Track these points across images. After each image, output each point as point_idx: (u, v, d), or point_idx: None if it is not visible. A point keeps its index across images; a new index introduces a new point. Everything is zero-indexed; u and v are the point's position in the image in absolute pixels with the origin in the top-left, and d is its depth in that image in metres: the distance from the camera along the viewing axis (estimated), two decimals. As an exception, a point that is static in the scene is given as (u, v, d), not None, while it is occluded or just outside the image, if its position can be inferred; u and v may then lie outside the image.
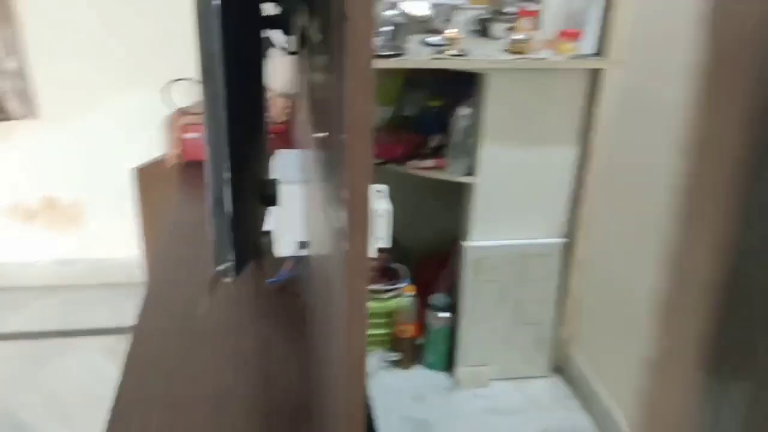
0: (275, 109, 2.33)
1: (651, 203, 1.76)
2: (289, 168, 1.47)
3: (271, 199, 0.93)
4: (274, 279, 1.46)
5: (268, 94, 2.38)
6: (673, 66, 1.65)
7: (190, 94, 2.04)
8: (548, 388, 2.22)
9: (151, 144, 2.33)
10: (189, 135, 1.94)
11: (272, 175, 1.42)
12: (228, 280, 0.76)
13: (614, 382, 1.99)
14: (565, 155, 2.03)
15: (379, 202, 0.65)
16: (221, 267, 0.74)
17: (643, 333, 1.81)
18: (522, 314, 2.19)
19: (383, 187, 0.68)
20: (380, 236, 0.67)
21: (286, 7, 1.18)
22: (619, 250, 1.94)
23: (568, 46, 1.88)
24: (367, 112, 0.53)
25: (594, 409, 2.07)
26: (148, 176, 2.08)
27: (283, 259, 1.47)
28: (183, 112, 2.01)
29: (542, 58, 1.87)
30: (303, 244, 1.43)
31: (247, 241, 0.83)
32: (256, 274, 1.53)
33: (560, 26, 1.96)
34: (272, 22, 1.20)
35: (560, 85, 1.95)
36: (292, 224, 1.44)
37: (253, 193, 0.88)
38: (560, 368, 2.28)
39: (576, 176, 2.05)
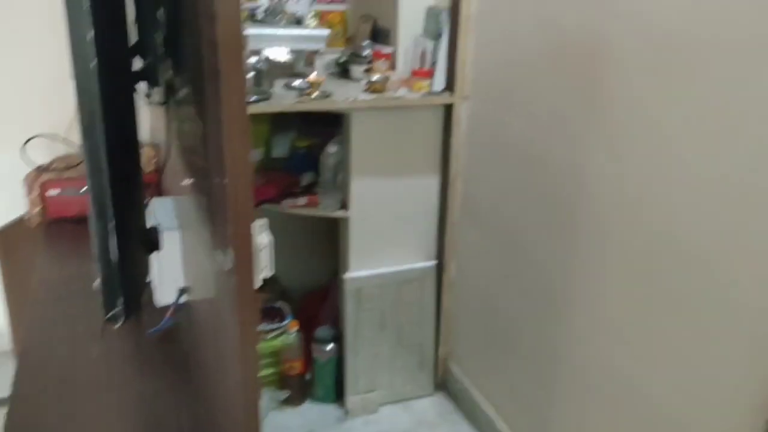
0: (144, 159, 2.30)
1: (508, 222, 1.94)
2: (164, 215, 1.48)
3: (154, 245, 0.96)
4: (155, 328, 1.45)
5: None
6: (513, 98, 1.85)
7: (49, 151, 1.97)
8: (434, 406, 2.32)
9: (11, 205, 2.21)
10: (51, 192, 1.87)
11: (150, 223, 1.43)
12: (118, 325, 0.78)
13: (493, 392, 2.13)
14: (429, 183, 2.19)
15: (261, 236, 0.70)
16: (111, 313, 0.75)
17: (513, 345, 1.97)
18: (403, 338, 2.29)
19: (263, 221, 0.74)
20: (264, 267, 0.73)
21: (150, 60, 1.21)
22: (485, 268, 2.10)
23: (422, 84, 2.04)
24: (244, 155, 0.59)
25: (478, 420, 2.20)
26: (9, 238, 1.97)
27: (164, 308, 1.47)
28: (42, 169, 1.94)
29: (399, 97, 2.01)
30: (183, 291, 1.44)
31: (134, 286, 0.85)
32: (137, 325, 1.51)
33: (413, 66, 2.12)
34: (138, 75, 1.22)
35: (418, 119, 2.10)
36: (170, 271, 1.45)
37: (136, 240, 0.90)
38: (443, 385, 2.40)
39: (440, 202, 2.21)
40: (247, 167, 0.60)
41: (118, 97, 0.86)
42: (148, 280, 1.39)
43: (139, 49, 1.24)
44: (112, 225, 0.68)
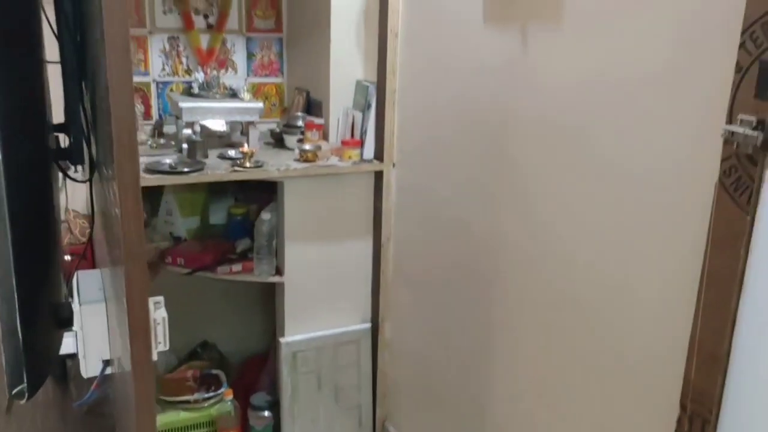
0: (77, 230, 2.31)
1: (437, 283, 2.01)
2: (89, 288, 1.50)
3: (65, 322, 0.99)
4: (81, 401, 1.45)
5: (72, 216, 2.36)
6: (436, 165, 1.96)
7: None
8: (373, 469, 2.32)
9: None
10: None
11: (73, 296, 1.44)
12: (22, 402, 0.80)
13: (429, 451, 2.15)
14: (362, 247, 2.26)
15: (158, 312, 0.75)
16: (16, 390, 0.78)
17: (445, 405, 2.01)
18: (341, 400, 2.31)
19: (160, 298, 0.78)
20: (160, 341, 0.77)
21: (76, 139, 1.27)
22: (418, 329, 2.16)
23: (351, 153, 2.13)
24: (139, 238, 0.65)
25: (415, 480, 2.21)
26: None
27: (90, 380, 1.47)
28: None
29: (330, 165, 2.10)
30: (107, 363, 1.45)
31: (40, 363, 0.88)
32: (63, 398, 1.50)
33: (344, 136, 2.23)
34: (63, 154, 1.28)
35: (349, 186, 2.19)
36: (95, 344, 1.46)
37: (47, 316, 0.93)
38: (383, 447, 2.40)
39: (373, 265, 2.28)
40: (141, 247, 0.65)
41: (31, 174, 0.90)
42: (65, 353, 1.39)
43: (65, 128, 1.30)
44: (15, 304, 0.72)
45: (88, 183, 1.25)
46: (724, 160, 1.02)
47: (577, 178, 1.38)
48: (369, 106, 2.16)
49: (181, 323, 2.57)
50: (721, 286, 1.04)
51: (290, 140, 2.29)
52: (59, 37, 1.32)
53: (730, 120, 1.01)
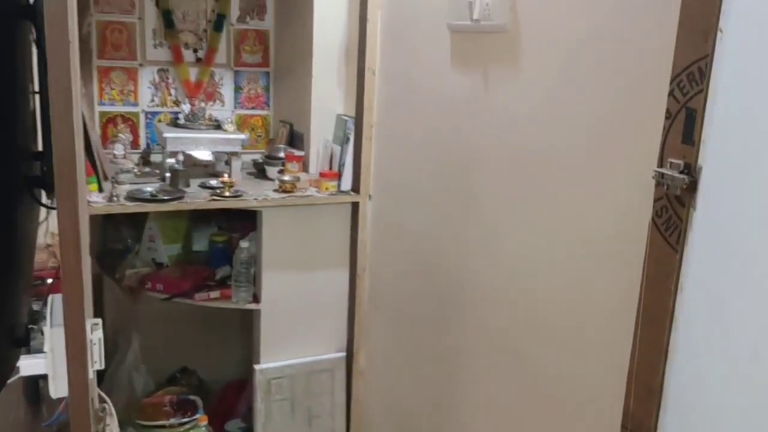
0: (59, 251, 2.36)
1: (409, 312, 2.06)
2: (60, 312, 1.55)
3: (21, 342, 1.03)
4: (49, 421, 1.48)
5: (56, 240, 2.40)
6: (409, 197, 2.02)
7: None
8: (345, 498, 2.34)
9: None
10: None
11: (46, 318, 1.49)
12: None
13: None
14: (338, 277, 2.30)
15: (95, 333, 0.80)
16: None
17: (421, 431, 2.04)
18: (315, 428, 2.33)
19: (97, 320, 0.83)
20: (96, 360, 0.82)
21: (49, 168, 1.33)
22: (392, 357, 2.20)
23: (329, 185, 2.20)
24: (76, 263, 0.70)
25: None
26: None
27: (59, 401, 1.50)
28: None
29: (307, 195, 2.16)
30: (77, 383, 1.49)
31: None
32: (35, 419, 1.54)
33: (323, 168, 2.29)
34: (36, 181, 1.33)
35: (327, 216, 2.24)
36: (63, 365, 1.50)
37: (4, 336, 0.98)
38: (356, 477, 2.42)
39: (349, 294, 2.32)
40: (77, 272, 0.70)
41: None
42: (37, 374, 1.43)
43: (41, 155, 1.36)
44: None
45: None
46: (656, 200, 1.08)
47: (529, 210, 1.44)
48: (348, 139, 2.23)
49: (161, 349, 2.62)
50: (655, 321, 1.09)
51: (271, 171, 2.35)
52: (39, 69, 1.39)
53: (661, 163, 1.07)
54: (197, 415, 2.30)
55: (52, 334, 1.43)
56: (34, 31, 1.32)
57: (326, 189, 2.20)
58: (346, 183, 2.24)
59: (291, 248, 2.22)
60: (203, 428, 2.27)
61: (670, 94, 1.05)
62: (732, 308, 0.96)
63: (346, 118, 2.25)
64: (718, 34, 0.95)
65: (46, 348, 1.43)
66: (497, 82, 1.53)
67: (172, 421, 2.29)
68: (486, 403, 1.66)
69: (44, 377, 1.54)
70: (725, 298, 0.96)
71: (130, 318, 2.51)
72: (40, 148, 1.40)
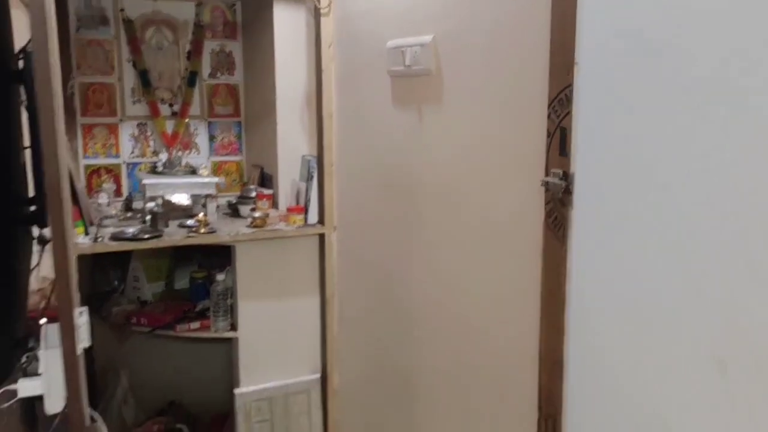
0: (53, 296, 2.54)
1: (375, 332, 2.25)
2: (53, 336, 1.74)
3: (22, 343, 1.23)
4: (43, 436, 1.65)
5: (49, 284, 2.59)
6: (366, 226, 2.24)
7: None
8: None
9: None
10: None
11: (40, 344, 1.67)
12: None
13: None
14: (310, 303, 2.50)
15: (81, 318, 0.99)
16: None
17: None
18: (294, 448, 2.49)
19: (84, 308, 1.03)
20: (83, 339, 1.01)
21: (42, 207, 1.54)
22: (363, 377, 2.38)
23: (296, 219, 2.42)
24: (65, 258, 0.90)
25: None
26: None
27: (54, 416, 1.67)
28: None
29: (276, 229, 2.38)
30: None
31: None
32: (28, 437, 1.70)
33: (291, 204, 2.52)
34: (31, 218, 1.55)
35: (296, 248, 2.46)
36: (57, 383, 1.68)
37: (8, 341, 1.18)
38: (336, 493, 2.56)
39: (321, 319, 2.51)
40: (67, 268, 0.91)
41: (5, 238, 1.17)
42: (32, 395, 1.61)
43: (35, 198, 1.58)
44: None
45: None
46: (546, 204, 1.31)
47: (455, 223, 1.67)
48: (311, 177, 2.46)
49: (149, 385, 2.79)
50: (553, 303, 1.31)
51: (244, 210, 2.57)
52: (30, 130, 1.62)
53: (547, 173, 1.30)
54: (183, 442, 2.46)
55: (47, 356, 1.63)
56: (23, 93, 1.56)
57: (294, 222, 2.42)
58: (313, 216, 2.46)
59: (264, 279, 2.42)
60: (188, 453, 2.43)
61: (548, 116, 1.29)
62: (607, 285, 1.18)
63: (309, 157, 2.49)
64: (575, 66, 1.20)
65: (41, 369, 1.62)
66: (428, 115, 1.78)
67: (160, 449, 2.44)
68: (439, 394, 1.85)
69: (39, 399, 1.72)
70: (602, 279, 1.18)
71: (118, 356, 2.68)
72: (32, 193, 1.62)
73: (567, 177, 1.24)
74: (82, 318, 1.00)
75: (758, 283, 0.83)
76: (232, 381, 2.48)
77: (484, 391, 1.64)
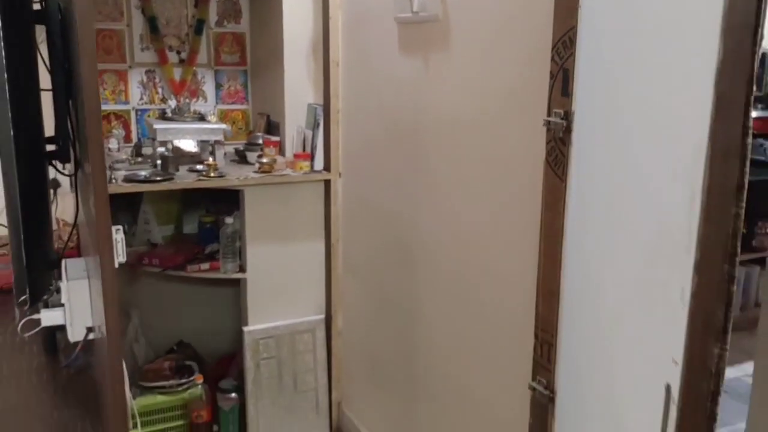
0: (66, 237, 2.63)
1: (378, 274, 2.35)
2: (75, 269, 1.83)
3: (53, 264, 1.31)
4: (68, 362, 1.76)
5: (62, 225, 2.68)
6: (371, 171, 2.31)
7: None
8: (329, 445, 2.62)
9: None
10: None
11: (62, 276, 1.77)
12: (26, 308, 1.12)
13: (377, 427, 2.45)
14: (315, 247, 2.59)
15: (117, 234, 1.06)
16: (21, 299, 1.10)
17: (389, 383, 2.32)
18: (299, 384, 2.61)
19: (119, 227, 1.10)
20: (119, 254, 1.09)
21: (64, 144, 1.61)
22: (365, 317, 2.48)
23: (303, 165, 2.49)
24: (103, 178, 0.98)
25: (366, 453, 2.50)
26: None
27: (75, 344, 1.78)
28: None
29: (284, 174, 2.45)
30: (90, 330, 1.77)
31: (37, 283, 1.20)
32: (54, 364, 1.81)
33: (297, 151, 2.58)
34: (54, 155, 1.62)
35: (302, 193, 2.53)
36: (79, 313, 1.78)
37: (40, 254, 1.26)
38: (338, 428, 2.70)
39: (326, 262, 2.61)
40: (104, 188, 0.98)
41: (33, 171, 1.25)
42: (54, 325, 1.71)
43: (56, 136, 1.65)
44: (21, 243, 1.04)
45: (73, 177, 1.59)
46: (547, 143, 1.38)
47: (462, 164, 1.74)
48: (318, 124, 2.52)
49: (159, 325, 2.90)
50: (551, 237, 1.39)
51: (251, 156, 2.64)
52: (52, 70, 1.68)
53: (549, 113, 1.37)
54: (194, 376, 2.58)
55: (69, 288, 1.72)
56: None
57: (300, 169, 2.49)
58: (319, 163, 2.53)
59: (271, 223, 2.50)
60: (199, 386, 2.55)
61: (552, 59, 1.35)
62: (599, 220, 1.26)
63: (315, 105, 2.54)
64: (579, 8, 1.25)
65: (63, 299, 1.72)
66: (434, 62, 1.83)
67: (171, 382, 2.56)
68: (439, 329, 1.95)
69: (60, 329, 1.82)
70: (602, 219, 1.26)
71: (130, 297, 2.78)
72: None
73: (568, 116, 1.31)
74: (118, 234, 1.08)
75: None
76: (240, 320, 2.58)
77: (484, 324, 1.73)
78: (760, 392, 2.63)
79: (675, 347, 1.10)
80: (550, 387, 1.43)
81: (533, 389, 1.48)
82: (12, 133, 1.06)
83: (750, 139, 1.01)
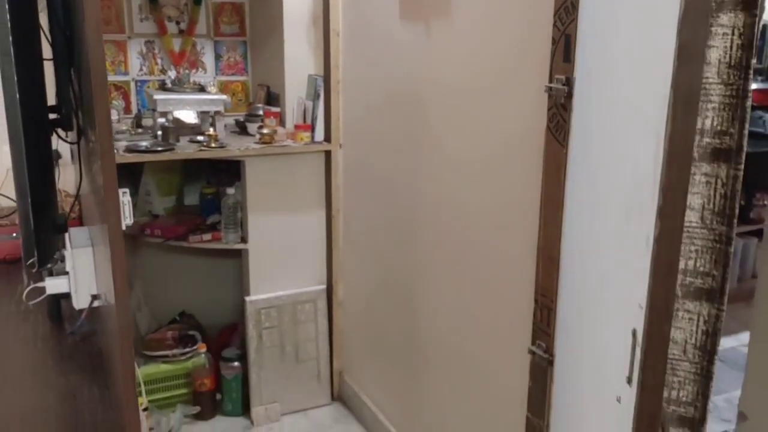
0: (68, 207, 2.64)
1: (378, 244, 2.36)
2: (79, 238, 1.84)
3: (61, 228, 1.33)
4: (73, 328, 1.78)
5: (63, 195, 2.69)
6: (372, 141, 2.32)
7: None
8: (331, 413, 2.66)
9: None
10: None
11: (66, 245, 1.78)
12: (34, 269, 1.14)
13: (377, 396, 2.49)
14: (316, 218, 2.61)
15: (125, 197, 1.08)
16: (30, 261, 1.12)
17: (390, 352, 2.35)
18: (301, 354, 2.64)
19: (126, 190, 1.12)
20: (126, 216, 1.10)
21: (65, 113, 1.62)
22: (366, 287, 2.51)
23: (303, 136, 2.49)
24: (109, 141, 0.98)
25: (366, 421, 2.54)
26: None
27: (80, 311, 1.80)
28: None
29: (284, 145, 2.45)
30: (95, 297, 1.79)
31: (45, 245, 1.22)
32: (59, 332, 1.84)
33: (297, 122, 2.58)
34: (57, 123, 1.63)
35: (303, 165, 2.54)
36: (84, 280, 1.80)
37: (48, 217, 1.27)
38: (339, 396, 2.74)
39: (327, 233, 2.62)
40: (110, 149, 0.99)
41: (39, 137, 1.26)
42: (59, 293, 1.73)
43: (58, 105, 1.66)
44: (29, 206, 1.06)
45: (77, 145, 1.60)
46: (549, 109, 1.39)
47: (463, 131, 1.75)
48: (318, 95, 2.52)
49: (162, 296, 2.92)
50: (552, 205, 1.40)
51: (252, 127, 2.64)
52: (52, 39, 1.68)
53: (551, 79, 1.37)
54: (197, 345, 2.61)
55: (74, 255, 1.74)
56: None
57: (301, 140, 2.49)
58: (319, 134, 2.53)
59: (272, 194, 2.51)
60: (203, 355, 2.58)
61: (554, 25, 1.35)
62: (594, 183, 1.27)
63: (316, 76, 2.54)
64: (582, -26, 1.25)
65: (68, 267, 1.74)
66: (435, 29, 1.83)
67: (175, 351, 2.60)
68: (440, 297, 1.97)
69: (65, 297, 1.85)
70: (594, 181, 1.28)
71: (132, 268, 2.80)
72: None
73: (569, 82, 1.31)
74: (125, 197, 1.10)
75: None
76: (242, 292, 2.61)
77: (484, 291, 1.76)
78: (755, 361, 2.67)
79: (641, 293, 1.15)
80: (550, 351, 1.46)
81: (533, 353, 1.51)
82: (18, 97, 1.07)
83: (749, 102, 1.02)
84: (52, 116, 1.63)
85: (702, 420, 1.18)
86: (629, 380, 1.22)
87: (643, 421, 1.18)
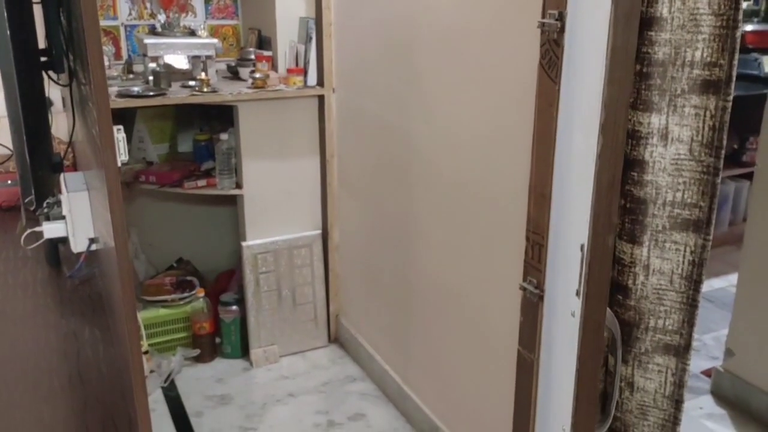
0: (62, 154, 2.64)
1: (372, 188, 2.38)
2: (74, 182, 1.85)
3: (57, 167, 1.34)
4: (72, 272, 1.81)
5: (57, 143, 2.67)
6: (365, 85, 2.30)
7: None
8: (327, 354, 2.73)
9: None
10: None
11: (62, 189, 1.79)
12: (31, 209, 1.15)
13: (372, 335, 2.54)
14: (310, 163, 2.61)
15: (119, 134, 1.09)
16: (27, 199, 1.13)
17: (383, 292, 2.39)
18: (298, 297, 2.69)
19: (120, 126, 1.12)
20: (121, 152, 1.12)
21: (56, 55, 1.60)
22: (360, 231, 2.53)
23: (296, 80, 2.47)
24: (103, 85, 0.98)
25: (362, 360, 2.61)
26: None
27: (79, 255, 1.82)
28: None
29: (277, 90, 2.44)
30: (92, 240, 1.81)
31: (42, 183, 1.24)
32: (58, 276, 1.87)
33: (290, 66, 2.56)
34: (47, 65, 1.61)
35: (296, 109, 2.53)
36: (81, 224, 1.82)
37: (43, 156, 1.28)
38: (336, 338, 2.80)
39: (321, 178, 2.63)
40: (104, 98, 0.99)
41: (32, 80, 1.25)
42: (57, 237, 1.75)
43: (49, 47, 1.64)
44: (24, 144, 1.06)
45: (68, 87, 1.59)
46: (541, 45, 1.38)
47: (455, 74, 1.74)
48: (310, 38, 2.49)
49: (158, 243, 2.95)
50: (544, 142, 1.41)
51: (244, 72, 2.61)
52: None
53: (543, 14, 1.36)
54: (195, 290, 2.65)
55: (69, 199, 1.75)
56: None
57: (294, 84, 2.47)
58: (312, 78, 2.51)
59: (266, 139, 2.51)
60: (201, 300, 2.62)
61: (548, -42, 1.33)
62: (579, 117, 1.28)
63: (308, 19, 2.50)
64: None
65: (64, 212, 1.75)
66: (428, -32, 1.80)
67: (173, 296, 2.64)
68: (433, 238, 2.00)
69: (62, 241, 1.87)
70: (570, 116, 1.28)
71: (128, 215, 2.81)
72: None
73: (562, 17, 1.31)
74: (119, 134, 1.10)
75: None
76: (238, 238, 2.63)
77: (476, 229, 1.78)
78: (742, 301, 2.73)
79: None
80: (540, 286, 1.49)
81: (524, 289, 1.54)
82: (9, 34, 1.06)
83: (739, 33, 1.02)
84: (42, 59, 1.62)
85: (687, 347, 1.23)
86: (578, 293, 1.26)
87: (588, 328, 1.23)
